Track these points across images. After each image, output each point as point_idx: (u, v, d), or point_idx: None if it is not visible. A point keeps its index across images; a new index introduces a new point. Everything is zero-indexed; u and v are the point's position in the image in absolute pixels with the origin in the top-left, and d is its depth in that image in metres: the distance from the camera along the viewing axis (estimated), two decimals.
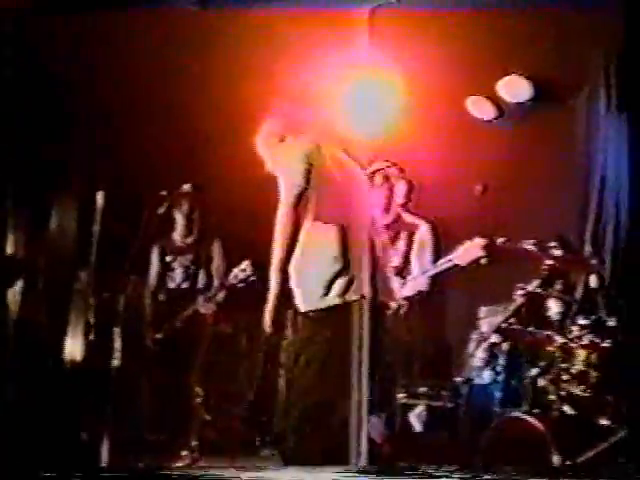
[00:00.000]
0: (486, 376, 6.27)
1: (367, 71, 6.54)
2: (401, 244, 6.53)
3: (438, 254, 6.35)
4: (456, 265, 6.03)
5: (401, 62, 6.64)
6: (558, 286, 5.94)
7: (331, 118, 6.19)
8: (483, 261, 5.86)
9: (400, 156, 6.61)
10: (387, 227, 6.51)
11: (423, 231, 6.50)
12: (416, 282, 6.30)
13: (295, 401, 5.77)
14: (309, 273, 5.85)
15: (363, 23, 6.61)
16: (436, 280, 6.31)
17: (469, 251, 5.87)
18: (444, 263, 6.01)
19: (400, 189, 6.55)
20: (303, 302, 5.84)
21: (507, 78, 6.87)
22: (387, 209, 6.52)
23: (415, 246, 6.50)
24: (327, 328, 5.79)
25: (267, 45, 6.64)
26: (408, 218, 6.58)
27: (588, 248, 6.26)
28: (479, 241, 5.79)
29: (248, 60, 6.61)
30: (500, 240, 5.93)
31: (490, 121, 6.90)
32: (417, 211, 6.54)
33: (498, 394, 6.07)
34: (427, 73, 6.72)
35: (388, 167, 6.45)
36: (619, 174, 6.49)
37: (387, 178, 6.54)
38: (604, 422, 5.44)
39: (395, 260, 6.48)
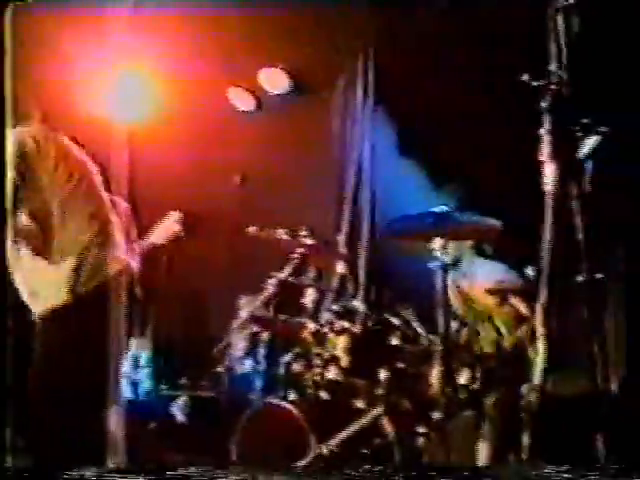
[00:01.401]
0: (246, 364, 6.33)
1: (124, 58, 6.45)
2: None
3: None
4: (156, 244, 5.79)
5: (159, 49, 6.61)
6: (310, 274, 6.05)
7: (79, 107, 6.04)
8: (181, 235, 5.71)
9: (156, 147, 6.54)
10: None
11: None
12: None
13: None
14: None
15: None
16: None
17: (166, 228, 5.75)
18: (143, 244, 5.76)
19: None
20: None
21: (266, 70, 6.95)
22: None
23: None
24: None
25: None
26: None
27: (340, 237, 6.41)
28: (174, 215, 5.66)
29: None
30: (253, 229, 5.95)
31: (249, 112, 6.97)
32: (169, 201, 6.28)
33: (257, 382, 6.13)
34: (187, 62, 6.73)
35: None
36: (375, 165, 6.69)
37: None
38: (358, 405, 5.55)
39: None
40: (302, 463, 5.30)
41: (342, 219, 6.53)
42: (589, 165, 3.43)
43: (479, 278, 6.08)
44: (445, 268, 5.36)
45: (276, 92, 6.92)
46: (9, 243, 4.62)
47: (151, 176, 6.33)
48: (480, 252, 6.13)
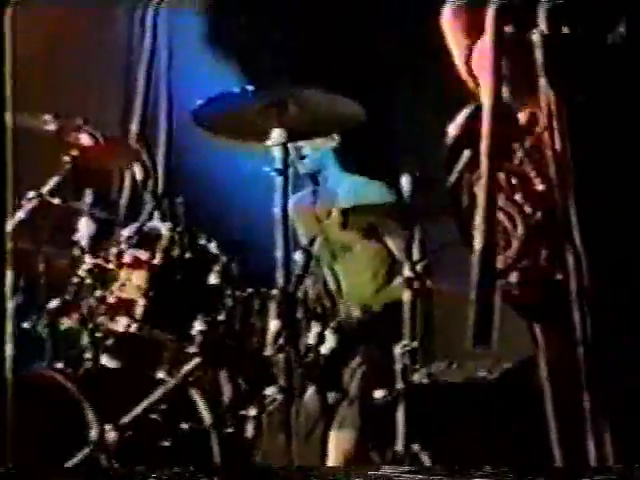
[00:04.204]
0: None
1: None
2: None
3: None
4: None
5: None
6: (88, 198, 4.05)
7: None
8: None
9: None
10: None
11: None
12: None
13: None
14: None
15: None
16: None
17: None
18: None
19: None
20: None
21: None
22: None
23: None
24: None
25: None
26: None
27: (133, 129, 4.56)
28: None
29: None
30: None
31: None
32: None
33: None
34: None
35: None
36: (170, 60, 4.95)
37: None
38: (160, 374, 3.77)
39: None
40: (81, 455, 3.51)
41: (132, 116, 4.68)
42: None
43: (339, 196, 4.32)
44: (284, 174, 3.62)
45: None
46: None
47: None
48: (345, 163, 4.37)
